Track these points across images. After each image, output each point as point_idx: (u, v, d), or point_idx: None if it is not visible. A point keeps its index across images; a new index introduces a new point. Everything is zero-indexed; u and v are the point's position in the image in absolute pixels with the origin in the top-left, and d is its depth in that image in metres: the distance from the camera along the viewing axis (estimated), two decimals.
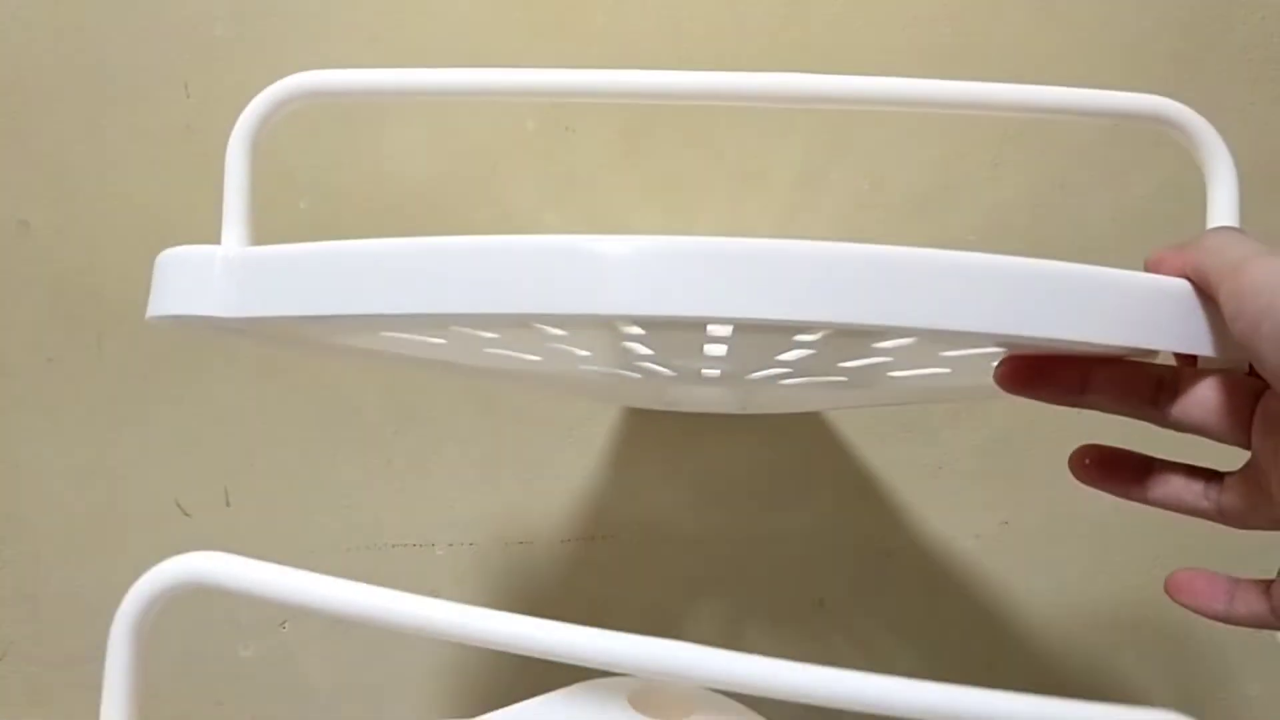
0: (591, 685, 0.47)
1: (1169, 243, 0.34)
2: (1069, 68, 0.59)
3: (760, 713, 0.47)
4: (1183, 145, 0.37)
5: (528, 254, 0.30)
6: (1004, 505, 0.62)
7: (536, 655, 0.28)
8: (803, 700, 0.27)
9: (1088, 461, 0.39)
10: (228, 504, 0.62)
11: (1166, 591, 0.38)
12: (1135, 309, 0.32)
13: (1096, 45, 0.59)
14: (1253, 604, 0.36)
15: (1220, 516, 0.37)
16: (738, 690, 0.28)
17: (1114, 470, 0.39)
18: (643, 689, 0.47)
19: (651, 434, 0.62)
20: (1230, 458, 0.36)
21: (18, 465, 0.63)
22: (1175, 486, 0.38)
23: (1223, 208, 0.36)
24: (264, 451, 0.63)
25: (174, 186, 0.61)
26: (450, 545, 0.63)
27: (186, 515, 0.62)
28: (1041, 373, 0.37)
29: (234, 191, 0.39)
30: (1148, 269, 0.34)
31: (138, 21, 0.60)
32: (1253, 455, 0.34)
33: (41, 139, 0.61)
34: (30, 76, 0.61)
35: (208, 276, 0.36)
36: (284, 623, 0.63)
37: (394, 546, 0.63)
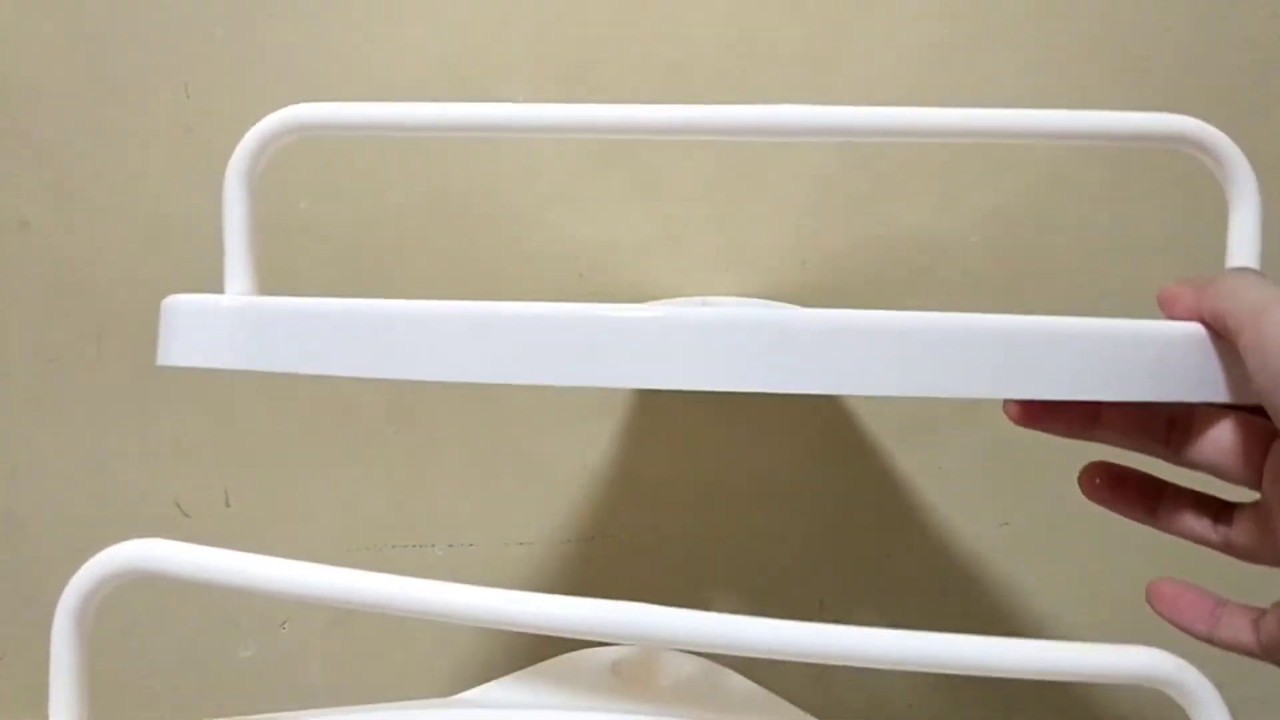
0: (576, 656, 0.47)
1: (1184, 276, 0.34)
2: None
3: (759, 677, 0.47)
4: (1208, 167, 0.36)
5: (534, 322, 0.31)
6: (1004, 506, 0.62)
7: (466, 622, 0.28)
8: (795, 658, 0.27)
9: (1098, 481, 0.39)
10: (227, 504, 0.62)
11: (1148, 600, 0.37)
12: (1148, 362, 0.32)
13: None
14: (1238, 631, 0.35)
15: (1227, 549, 0.36)
16: (725, 652, 0.28)
17: (1124, 491, 0.38)
18: (627, 658, 0.47)
19: (653, 435, 0.62)
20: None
21: (18, 465, 0.63)
22: (1184, 516, 0.37)
23: (1245, 231, 0.36)
24: (264, 451, 0.62)
25: (174, 187, 0.61)
26: (450, 546, 0.63)
27: (186, 515, 0.62)
28: (1051, 407, 0.36)
29: (234, 235, 0.38)
30: (1161, 304, 0.34)
31: (138, 22, 0.60)
32: (1262, 497, 0.34)
33: (41, 139, 0.61)
34: (30, 76, 0.61)
35: (213, 327, 0.36)
36: (284, 622, 0.63)
37: (394, 547, 0.63)
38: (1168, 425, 0.36)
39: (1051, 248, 0.60)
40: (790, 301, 0.60)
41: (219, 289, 0.40)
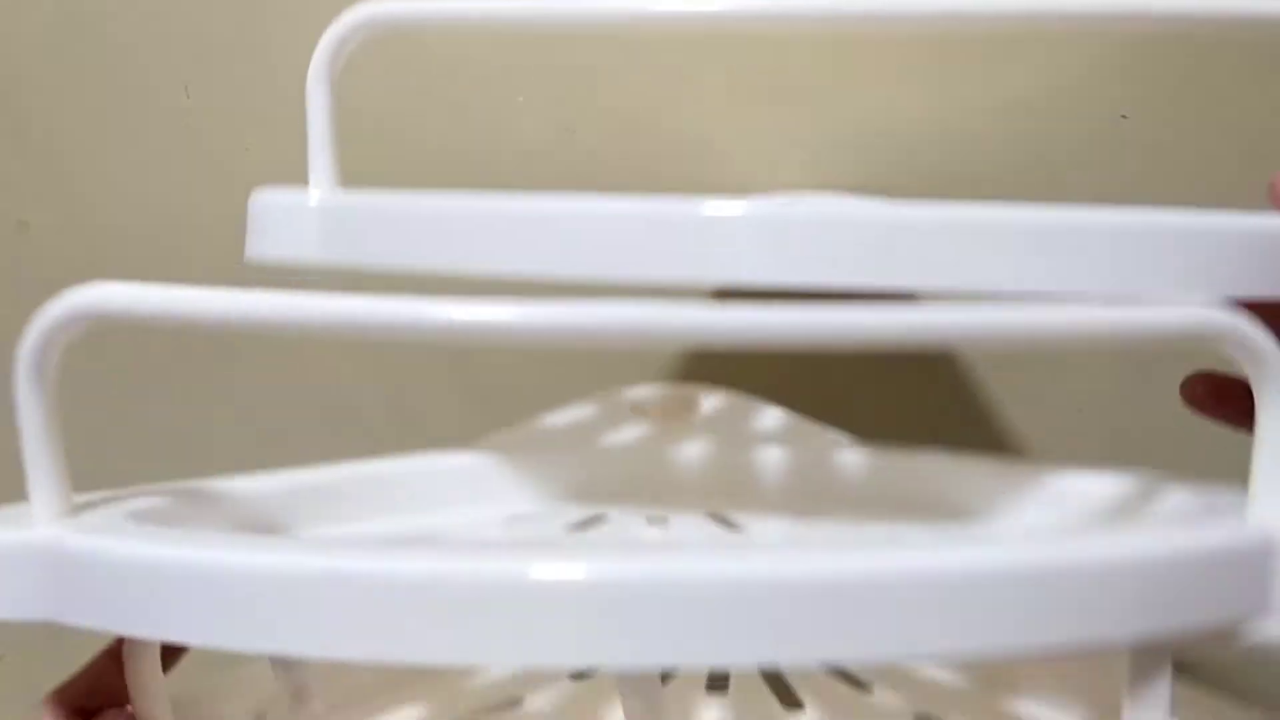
0: (592, 399, 0.48)
1: None
2: None
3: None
4: None
5: (637, 219, 0.31)
6: None
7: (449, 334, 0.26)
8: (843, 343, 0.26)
9: (1200, 390, 0.36)
10: None
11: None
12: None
13: None
14: None
15: None
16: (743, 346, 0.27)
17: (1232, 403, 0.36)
18: (645, 398, 0.48)
19: None
20: None
21: (18, 465, 0.63)
22: None
23: None
24: (264, 452, 0.62)
25: (174, 186, 0.61)
26: None
27: None
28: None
29: (317, 130, 0.39)
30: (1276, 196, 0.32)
31: (138, 21, 0.60)
32: None
33: (41, 139, 0.61)
34: (30, 75, 0.61)
35: (300, 223, 0.37)
36: None
37: None
38: None
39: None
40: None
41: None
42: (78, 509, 0.31)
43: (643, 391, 0.49)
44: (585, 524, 0.43)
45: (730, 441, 0.46)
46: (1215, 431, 0.37)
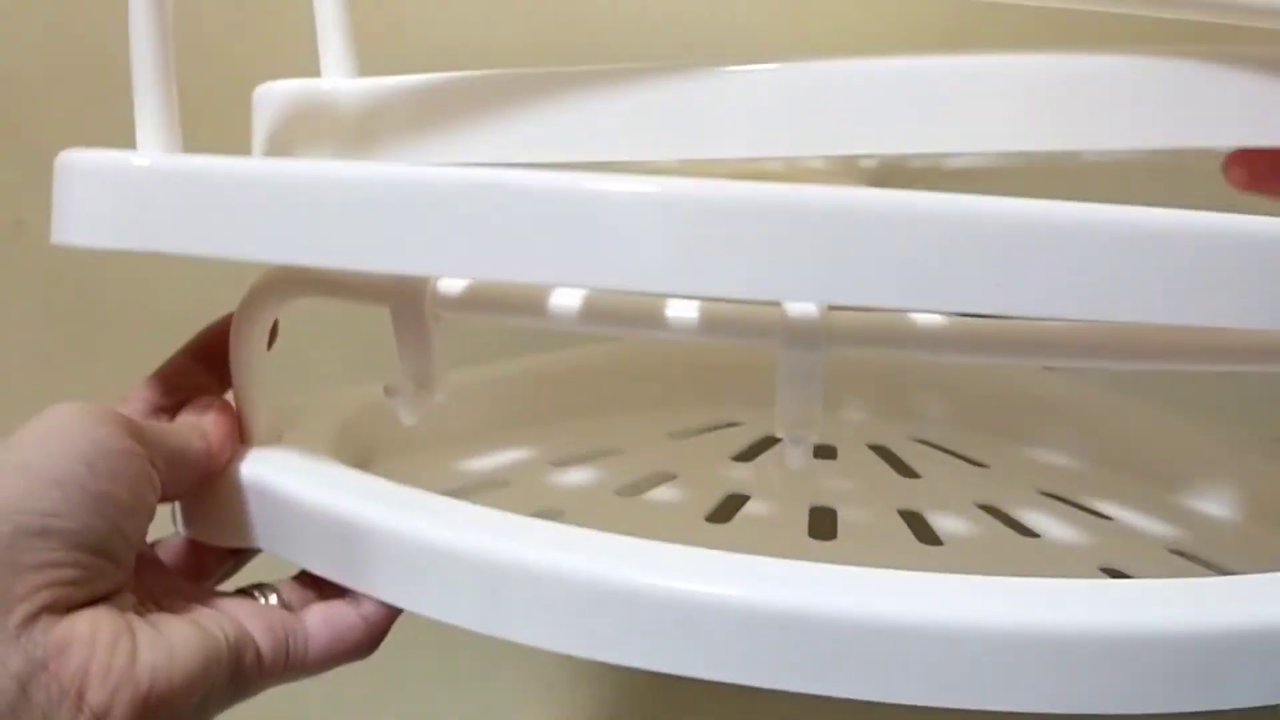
0: None
1: None
2: None
3: None
4: None
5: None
6: None
7: None
8: None
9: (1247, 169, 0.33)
10: None
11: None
12: None
13: None
14: None
15: None
16: None
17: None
18: None
19: None
20: None
21: None
22: None
23: None
24: None
25: None
26: None
27: None
28: None
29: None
30: None
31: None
32: None
33: (39, 137, 0.61)
34: (27, 74, 0.61)
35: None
36: None
37: None
38: None
39: None
40: None
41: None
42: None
43: None
44: None
45: None
46: None
